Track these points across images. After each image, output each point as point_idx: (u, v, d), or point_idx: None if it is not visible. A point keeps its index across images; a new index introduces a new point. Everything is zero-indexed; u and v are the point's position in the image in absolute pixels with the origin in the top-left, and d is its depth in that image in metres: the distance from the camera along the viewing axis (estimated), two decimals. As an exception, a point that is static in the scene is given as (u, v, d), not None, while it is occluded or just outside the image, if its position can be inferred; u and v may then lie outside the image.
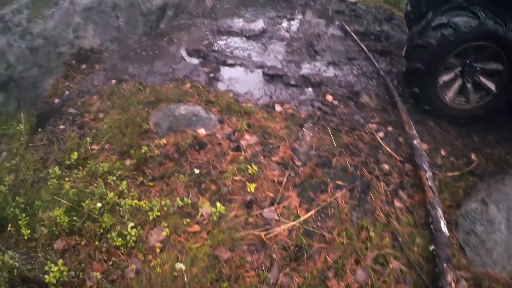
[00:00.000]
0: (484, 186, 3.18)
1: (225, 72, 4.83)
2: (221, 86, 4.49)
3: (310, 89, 4.45)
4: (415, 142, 3.51)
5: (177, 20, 6.30)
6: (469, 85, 3.85)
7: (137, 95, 4.20)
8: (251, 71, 4.80)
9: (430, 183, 3.06)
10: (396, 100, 4.19)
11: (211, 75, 4.72)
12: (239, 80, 4.60)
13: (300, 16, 6.67)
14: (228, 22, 6.18)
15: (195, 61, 5.08)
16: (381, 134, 3.78)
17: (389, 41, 5.93)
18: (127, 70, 4.91)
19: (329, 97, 4.28)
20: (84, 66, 5.16)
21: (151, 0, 6.01)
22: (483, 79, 3.80)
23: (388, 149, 3.56)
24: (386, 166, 3.38)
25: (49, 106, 4.69)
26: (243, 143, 3.47)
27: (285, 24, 6.28)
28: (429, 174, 3.15)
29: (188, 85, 4.41)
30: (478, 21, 3.52)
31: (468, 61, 3.75)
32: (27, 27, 5.45)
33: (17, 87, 4.98)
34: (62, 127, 4.09)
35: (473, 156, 3.62)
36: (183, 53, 5.21)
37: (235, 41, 5.62)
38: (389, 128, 3.88)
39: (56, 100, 4.71)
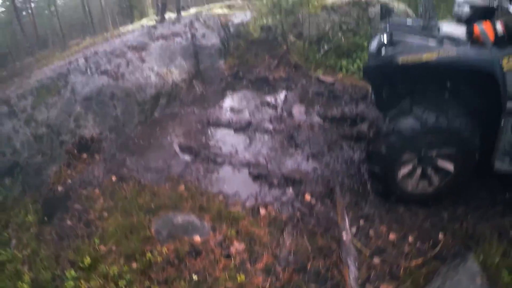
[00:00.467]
0: (443, 271, 3.42)
1: (215, 170, 5.40)
2: (212, 187, 5.04)
3: (290, 189, 4.93)
4: (343, 234, 3.91)
5: (170, 108, 6.91)
6: (428, 170, 4.04)
7: (137, 199, 4.70)
8: (238, 171, 5.37)
9: (352, 282, 3.42)
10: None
11: (202, 174, 5.28)
12: (227, 180, 5.17)
13: (282, 103, 7.27)
14: (216, 113, 6.83)
15: (187, 157, 5.67)
16: (353, 229, 4.18)
17: (365, 122, 6.34)
18: (125, 163, 5.45)
19: (308, 196, 4.77)
20: (85, 155, 5.68)
21: (146, 89, 6.61)
22: (441, 162, 3.98)
23: (358, 245, 3.99)
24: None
25: (53, 193, 5.15)
26: (232, 250, 4.04)
27: (269, 112, 6.89)
28: (353, 272, 3.52)
29: (183, 186, 4.98)
30: (420, 123, 3.79)
31: (422, 153, 3.97)
32: (32, 114, 5.85)
33: (22, 172, 5.37)
34: (69, 223, 4.56)
35: (440, 236, 3.84)
36: (177, 148, 5.80)
37: (223, 135, 6.24)
38: (361, 222, 4.22)
39: (60, 188, 5.19)
